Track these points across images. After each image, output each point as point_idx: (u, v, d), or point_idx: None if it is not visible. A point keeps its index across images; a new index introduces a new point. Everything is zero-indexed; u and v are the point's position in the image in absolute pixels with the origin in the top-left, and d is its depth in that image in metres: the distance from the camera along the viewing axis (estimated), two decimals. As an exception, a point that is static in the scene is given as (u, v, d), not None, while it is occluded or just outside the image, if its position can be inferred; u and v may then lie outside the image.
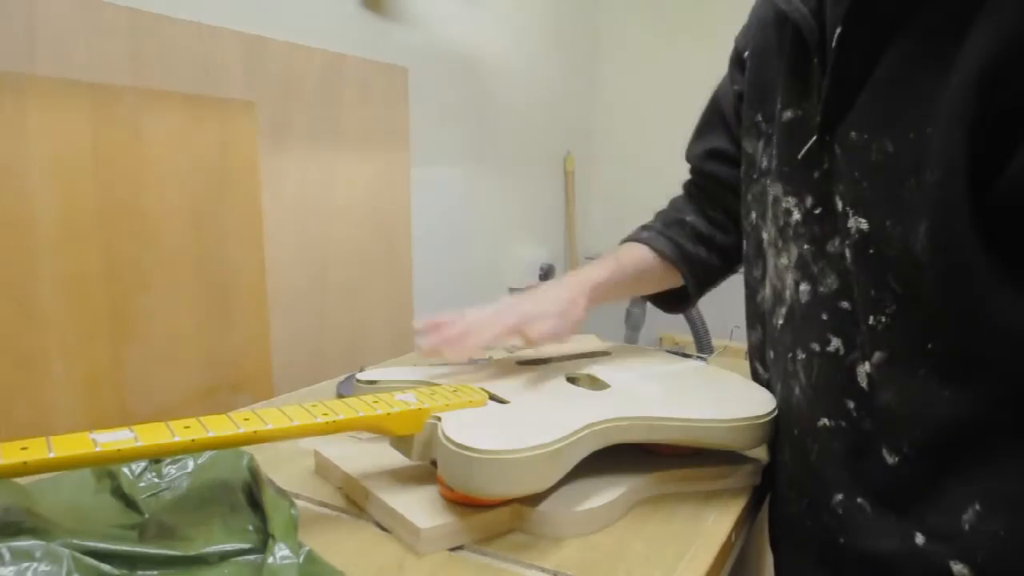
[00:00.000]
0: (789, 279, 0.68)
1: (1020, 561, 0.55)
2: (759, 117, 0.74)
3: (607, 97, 2.26)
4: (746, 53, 0.78)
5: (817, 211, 0.64)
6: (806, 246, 0.66)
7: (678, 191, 0.99)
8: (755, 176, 0.75)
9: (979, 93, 0.50)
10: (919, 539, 0.59)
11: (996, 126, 0.50)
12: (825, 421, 0.65)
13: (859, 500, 0.63)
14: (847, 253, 0.61)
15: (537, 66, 1.93)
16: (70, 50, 0.85)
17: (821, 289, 0.64)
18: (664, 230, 0.91)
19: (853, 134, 0.59)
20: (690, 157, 0.94)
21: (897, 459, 0.60)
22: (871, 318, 0.60)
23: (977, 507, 0.56)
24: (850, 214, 0.60)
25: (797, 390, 0.68)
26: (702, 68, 2.08)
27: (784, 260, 0.69)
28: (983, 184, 0.51)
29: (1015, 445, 0.55)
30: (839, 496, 0.64)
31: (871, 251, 0.59)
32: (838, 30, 0.60)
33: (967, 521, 0.56)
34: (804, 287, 0.66)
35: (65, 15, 0.84)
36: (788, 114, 0.68)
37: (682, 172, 0.95)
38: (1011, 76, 0.50)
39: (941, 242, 0.54)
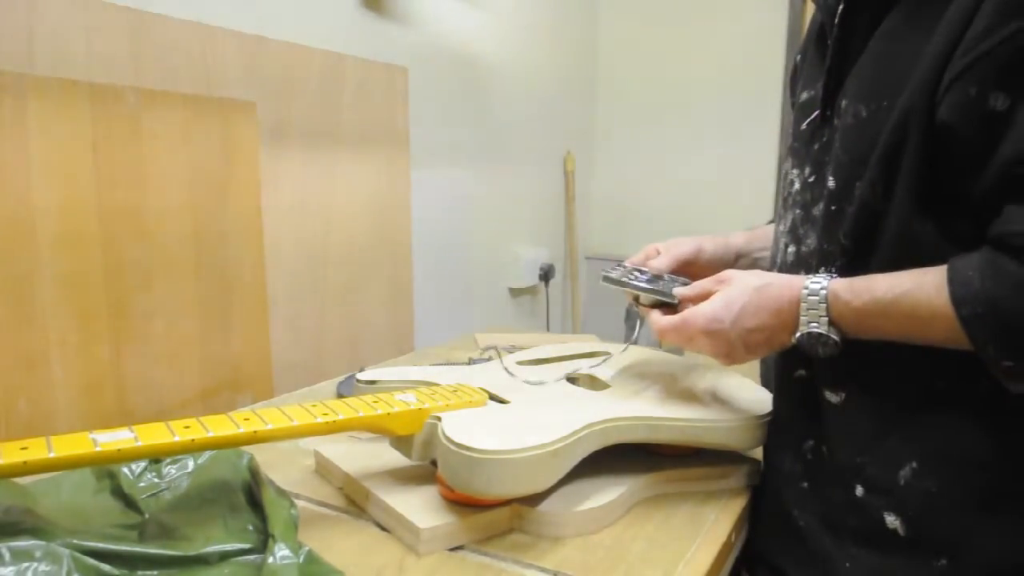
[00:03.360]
0: (782, 243, 0.74)
1: (948, 516, 0.60)
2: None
3: (607, 97, 2.26)
4: (797, 59, 0.83)
5: (811, 179, 0.69)
6: (798, 211, 0.71)
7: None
8: (782, 161, 0.80)
9: (944, 65, 0.55)
10: (859, 491, 0.64)
11: (955, 102, 0.55)
12: (799, 371, 0.70)
13: (824, 448, 0.67)
14: (822, 213, 0.67)
15: (537, 66, 1.93)
16: (70, 50, 0.85)
17: (803, 249, 0.70)
18: None
19: (844, 103, 0.65)
20: None
21: (841, 398, 0.65)
22: (822, 269, 0.66)
23: (914, 464, 0.61)
24: (828, 175, 0.66)
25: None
26: (702, 67, 2.09)
27: (782, 227, 0.74)
28: (936, 153, 0.57)
29: (953, 411, 0.60)
30: (810, 442, 0.69)
31: (833, 207, 0.65)
32: (840, 8, 0.65)
33: (903, 476, 0.61)
34: (791, 249, 0.71)
35: (65, 15, 0.84)
36: (804, 95, 0.73)
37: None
38: (973, 55, 0.54)
39: (890, 201, 0.59)
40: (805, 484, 0.68)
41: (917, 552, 0.61)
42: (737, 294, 0.66)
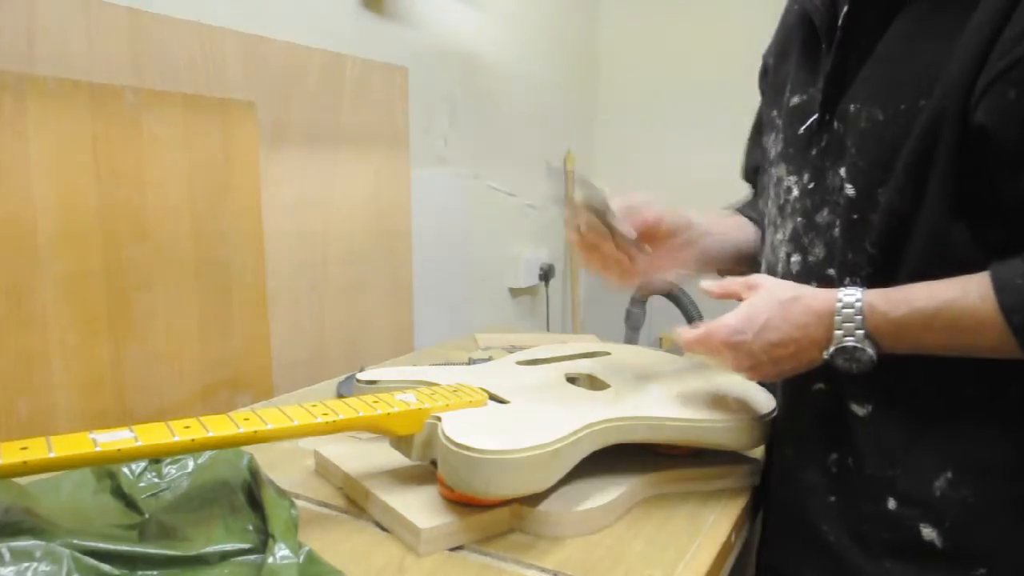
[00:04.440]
0: (782, 252, 0.72)
1: (986, 525, 0.59)
2: (774, 112, 0.77)
3: (607, 97, 2.26)
4: (769, 60, 0.82)
5: (811, 185, 0.67)
6: (799, 219, 0.69)
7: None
8: (767, 167, 0.78)
9: (979, 68, 0.54)
10: (891, 504, 0.62)
11: (992, 104, 0.54)
12: (818, 385, 0.68)
13: (850, 461, 0.66)
14: (836, 221, 0.65)
15: (537, 66, 1.93)
16: (70, 50, 0.85)
17: (810, 259, 0.68)
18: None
19: (852, 107, 0.63)
20: (742, 174, 0.96)
21: (868, 411, 0.64)
22: (847, 280, 0.64)
23: (949, 475, 0.60)
24: (844, 182, 0.64)
25: None
26: (702, 67, 2.09)
27: (780, 235, 0.73)
28: (968, 158, 0.56)
29: (984, 418, 0.59)
30: (834, 455, 0.67)
31: (855, 216, 0.63)
32: (845, 9, 0.64)
33: (939, 488, 0.60)
34: (795, 258, 0.70)
35: (65, 15, 0.84)
36: (795, 100, 0.72)
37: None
38: (1011, 55, 0.53)
39: (920, 207, 0.58)
40: (832, 498, 0.67)
41: (955, 563, 0.60)
42: (762, 306, 0.64)
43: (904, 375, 0.61)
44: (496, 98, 1.76)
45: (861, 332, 0.59)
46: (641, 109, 2.20)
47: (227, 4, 1.05)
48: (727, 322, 0.65)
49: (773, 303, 0.64)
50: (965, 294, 0.56)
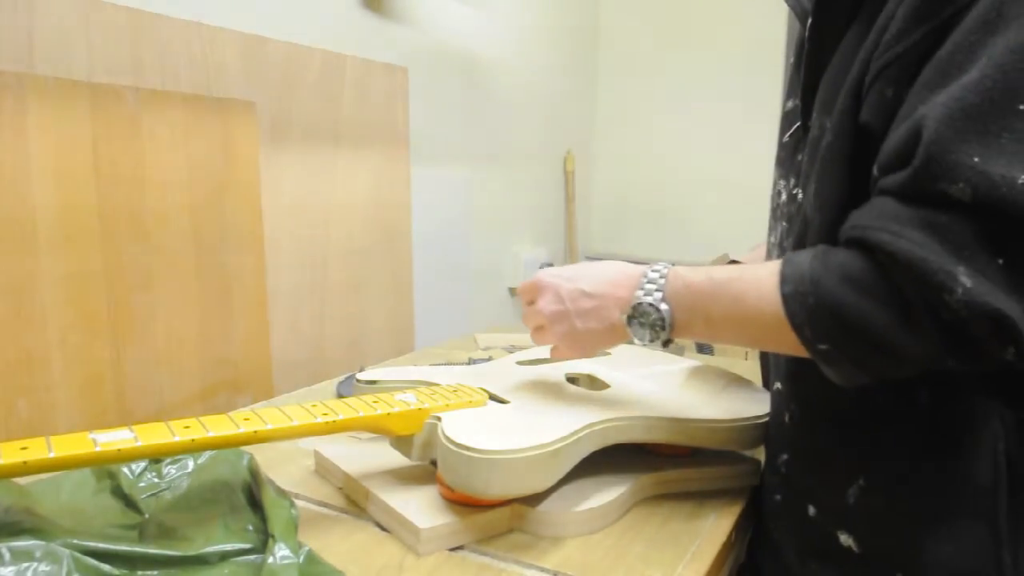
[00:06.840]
0: (774, 256, 0.72)
1: (896, 532, 0.59)
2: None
3: (607, 97, 2.26)
4: (791, 61, 0.82)
5: (796, 192, 0.68)
6: (784, 224, 0.69)
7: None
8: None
9: (867, 68, 0.55)
10: (811, 511, 0.63)
11: (875, 105, 0.54)
12: (776, 385, 0.70)
13: (794, 463, 0.67)
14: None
15: (537, 66, 1.93)
16: (70, 50, 0.85)
17: None
18: None
19: (814, 115, 0.64)
20: None
21: (788, 417, 0.66)
22: None
23: (861, 482, 0.60)
24: (800, 188, 0.65)
25: (771, 358, 0.73)
26: (702, 68, 2.09)
27: (772, 239, 0.73)
28: (859, 161, 0.56)
29: (895, 427, 0.59)
30: (784, 456, 0.68)
31: (797, 219, 0.64)
32: (808, 21, 0.65)
33: (852, 495, 0.60)
34: None
35: (65, 15, 0.84)
36: (788, 104, 0.72)
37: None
38: (884, 55, 0.53)
39: (820, 204, 0.58)
40: (778, 497, 0.69)
41: (872, 567, 0.60)
42: (588, 264, 0.68)
43: (820, 383, 0.59)
44: (496, 98, 1.76)
45: (659, 294, 0.60)
46: (641, 109, 2.20)
47: (227, 4, 1.05)
48: (551, 269, 0.68)
49: (599, 263, 0.67)
50: (756, 270, 0.56)
